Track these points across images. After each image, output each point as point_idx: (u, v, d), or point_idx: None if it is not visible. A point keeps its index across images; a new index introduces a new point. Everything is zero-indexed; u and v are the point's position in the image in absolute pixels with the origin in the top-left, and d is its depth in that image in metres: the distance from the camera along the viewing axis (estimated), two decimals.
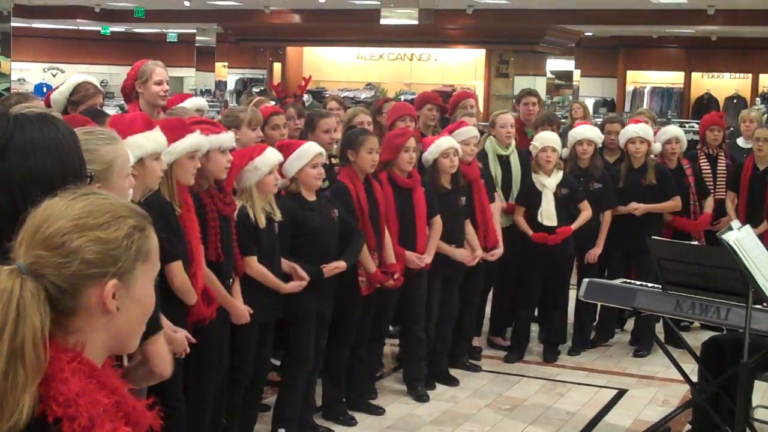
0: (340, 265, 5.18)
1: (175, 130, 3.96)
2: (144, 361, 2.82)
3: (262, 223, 4.68)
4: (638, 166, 7.18)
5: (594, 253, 7.12)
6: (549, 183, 6.83)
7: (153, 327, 2.80)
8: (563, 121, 9.74)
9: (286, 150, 5.08)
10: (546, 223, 6.81)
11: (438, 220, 6.04)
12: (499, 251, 6.60)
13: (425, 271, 6.01)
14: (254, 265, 4.69)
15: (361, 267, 5.50)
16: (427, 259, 5.95)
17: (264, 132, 5.57)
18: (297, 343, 5.17)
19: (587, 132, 7.13)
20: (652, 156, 7.25)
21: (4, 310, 1.47)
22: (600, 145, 7.23)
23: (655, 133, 7.74)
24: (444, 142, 6.12)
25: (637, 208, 7.12)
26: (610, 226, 7.16)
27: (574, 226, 6.88)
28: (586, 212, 6.94)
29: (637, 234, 6.88)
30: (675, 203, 7.25)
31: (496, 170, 7.05)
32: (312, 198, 5.14)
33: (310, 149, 5.09)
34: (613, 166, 7.43)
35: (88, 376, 1.53)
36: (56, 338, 1.54)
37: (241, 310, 4.54)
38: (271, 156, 4.73)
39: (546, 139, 6.88)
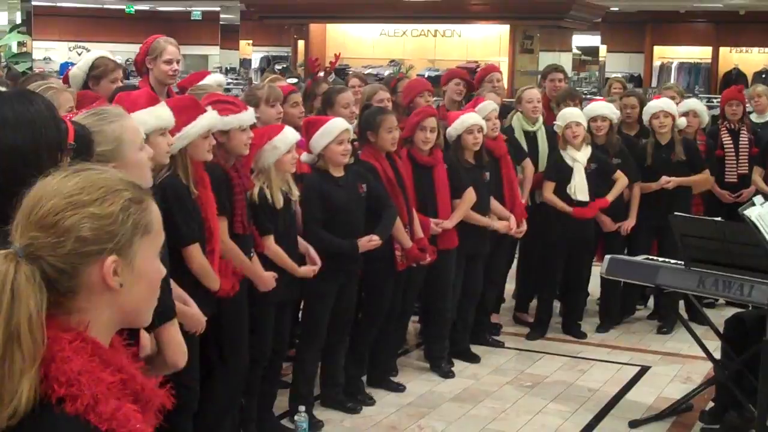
0: (375, 239, 5.15)
1: (186, 111, 3.90)
2: (158, 350, 2.80)
3: (280, 203, 4.66)
4: (665, 142, 7.07)
5: (628, 225, 7.02)
6: (580, 157, 6.74)
7: (165, 315, 2.77)
8: (598, 98, 9.62)
9: (312, 126, 5.08)
10: (579, 197, 6.75)
11: (470, 192, 5.99)
12: (523, 228, 6.54)
13: (454, 249, 5.96)
14: (271, 246, 4.68)
15: (397, 242, 5.47)
16: (448, 224, 5.86)
17: (283, 109, 5.54)
18: (309, 323, 5.21)
19: (600, 108, 7.02)
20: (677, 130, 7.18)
21: None
22: (616, 121, 7.14)
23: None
24: (469, 118, 6.06)
25: (669, 181, 7.02)
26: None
27: (610, 196, 6.83)
28: (621, 180, 6.87)
29: (665, 210, 6.79)
30: (706, 176, 7.16)
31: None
32: (339, 174, 5.13)
33: (336, 126, 5.06)
34: (635, 138, 7.35)
35: (91, 354, 1.51)
36: (58, 318, 1.52)
37: (266, 277, 4.55)
38: (289, 135, 4.71)
39: (568, 115, 6.80)
